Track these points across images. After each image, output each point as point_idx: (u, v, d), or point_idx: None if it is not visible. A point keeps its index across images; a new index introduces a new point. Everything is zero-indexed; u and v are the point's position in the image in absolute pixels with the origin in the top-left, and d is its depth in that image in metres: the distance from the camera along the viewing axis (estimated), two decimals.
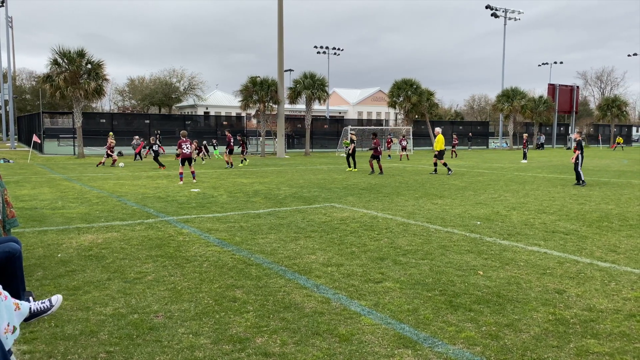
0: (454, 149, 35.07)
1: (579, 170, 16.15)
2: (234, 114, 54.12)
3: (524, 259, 6.79)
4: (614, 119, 59.08)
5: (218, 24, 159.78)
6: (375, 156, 20.13)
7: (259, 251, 7.16)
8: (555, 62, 74.03)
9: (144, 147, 30.47)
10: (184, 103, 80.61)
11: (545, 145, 54.16)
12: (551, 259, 6.83)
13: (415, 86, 43.32)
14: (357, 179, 17.86)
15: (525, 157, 30.68)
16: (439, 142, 20.24)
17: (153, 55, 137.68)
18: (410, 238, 8.05)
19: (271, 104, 35.57)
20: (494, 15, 58.56)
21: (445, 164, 20.02)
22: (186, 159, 16.29)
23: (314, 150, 41.32)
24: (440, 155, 20.09)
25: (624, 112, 60.05)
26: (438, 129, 21.24)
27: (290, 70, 70.53)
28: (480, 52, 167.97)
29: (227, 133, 25.07)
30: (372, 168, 20.35)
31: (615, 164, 26.90)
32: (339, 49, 66.29)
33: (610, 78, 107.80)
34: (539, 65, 70.58)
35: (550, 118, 56.54)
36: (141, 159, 28.41)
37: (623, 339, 4.28)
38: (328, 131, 46.12)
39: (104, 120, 38.94)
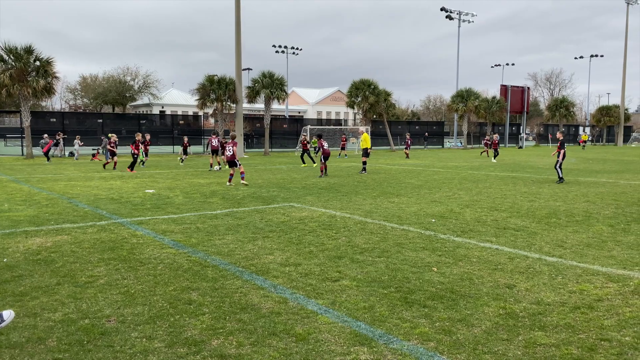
0: (487, 148, 35.55)
1: (557, 168, 16.82)
2: (190, 113, 53.20)
3: (477, 255, 6.98)
4: (562, 119, 61.61)
5: (180, 22, 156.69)
6: (325, 157, 20.22)
7: (215, 252, 7.08)
8: (508, 64, 76.53)
9: (54, 146, 29.19)
10: (139, 102, 78.68)
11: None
12: (502, 254, 7.05)
13: (373, 86, 43.73)
14: (316, 179, 17.91)
15: (495, 156, 31.22)
16: (365, 140, 20.91)
17: (112, 53, 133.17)
18: (367, 236, 8.14)
19: (229, 103, 35.19)
20: (449, 17, 59.84)
21: (364, 163, 20.54)
22: (231, 161, 15.78)
23: (273, 150, 41.15)
24: (364, 153, 20.70)
25: (571, 113, 62.72)
26: (362, 129, 22.06)
27: (249, 69, 70.11)
28: (440, 54, 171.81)
29: (212, 136, 23.50)
30: (322, 170, 20.36)
31: (564, 163, 27.90)
32: (297, 49, 66.33)
33: (558, 80, 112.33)
34: (492, 67, 72.77)
35: (503, 118, 58.30)
36: (48, 160, 26.59)
37: (568, 330, 4.46)
38: (287, 131, 46.01)
39: (54, 120, 37.49)
